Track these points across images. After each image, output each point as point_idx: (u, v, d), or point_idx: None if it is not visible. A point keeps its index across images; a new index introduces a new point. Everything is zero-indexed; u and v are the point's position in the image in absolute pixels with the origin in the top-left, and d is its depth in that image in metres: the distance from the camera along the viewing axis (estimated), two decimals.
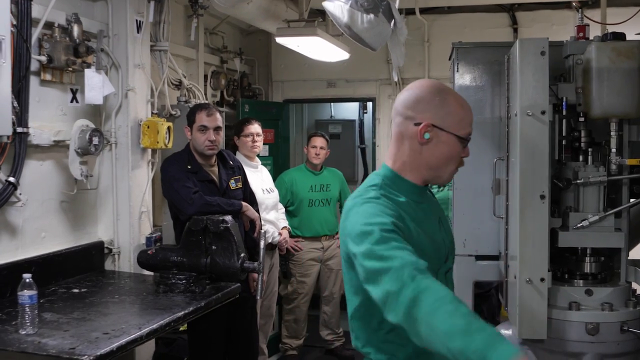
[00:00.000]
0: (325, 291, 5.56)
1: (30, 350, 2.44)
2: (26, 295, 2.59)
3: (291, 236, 5.25)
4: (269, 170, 5.24)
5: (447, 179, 1.93)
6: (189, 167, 3.77)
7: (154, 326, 2.76)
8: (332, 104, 7.38)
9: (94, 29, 3.62)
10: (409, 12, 5.37)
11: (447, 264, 1.96)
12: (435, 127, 1.83)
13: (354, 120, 7.29)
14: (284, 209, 5.20)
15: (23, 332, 2.55)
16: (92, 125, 3.51)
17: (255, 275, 3.75)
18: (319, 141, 5.41)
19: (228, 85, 5.56)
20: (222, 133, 3.92)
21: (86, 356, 2.36)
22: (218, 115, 3.86)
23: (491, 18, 5.71)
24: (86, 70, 3.49)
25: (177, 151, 3.92)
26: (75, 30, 3.41)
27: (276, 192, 4.97)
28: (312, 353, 5.78)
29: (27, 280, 2.59)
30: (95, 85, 3.53)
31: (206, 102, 4.70)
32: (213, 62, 5.44)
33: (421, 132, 1.84)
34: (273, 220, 4.86)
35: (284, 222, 5.09)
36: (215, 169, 3.91)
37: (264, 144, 5.15)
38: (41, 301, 3.02)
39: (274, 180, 5.18)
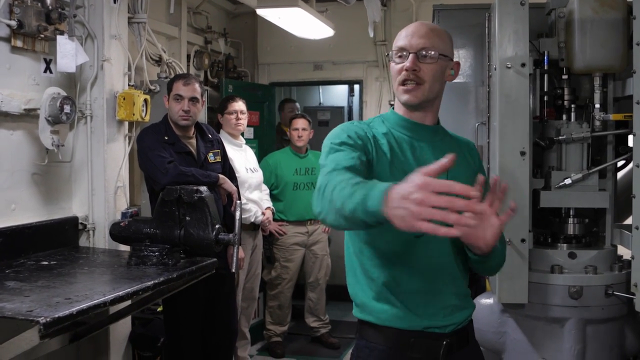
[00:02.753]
0: (311, 277, 5.45)
1: None
2: None
3: (275, 220, 5.14)
4: (254, 153, 5.13)
5: (403, 99, 1.93)
6: (165, 137, 3.66)
7: (120, 293, 2.63)
8: (320, 90, 7.30)
9: None
10: None
11: None
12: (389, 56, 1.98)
13: (342, 107, 7.20)
14: (268, 190, 5.09)
15: None
16: (64, 93, 3.41)
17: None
18: (300, 122, 5.29)
19: (212, 67, 5.47)
20: (200, 105, 3.81)
21: (42, 317, 2.24)
22: (196, 85, 3.75)
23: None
24: (58, 37, 3.38)
25: (155, 122, 3.81)
26: None
27: (260, 172, 4.87)
28: (298, 340, 5.66)
29: None
30: (68, 52, 3.43)
31: (187, 73, 4.60)
32: (196, 41, 5.36)
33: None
34: (256, 200, 4.75)
35: (267, 202, 4.98)
36: (194, 141, 3.81)
37: (248, 126, 5.06)
38: (7, 271, 2.93)
39: (259, 162, 5.07)
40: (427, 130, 1.97)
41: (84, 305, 2.42)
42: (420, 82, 1.89)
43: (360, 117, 6.05)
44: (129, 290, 2.69)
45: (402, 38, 1.91)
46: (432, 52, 1.88)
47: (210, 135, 3.92)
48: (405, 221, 1.37)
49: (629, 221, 3.21)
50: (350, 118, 7.14)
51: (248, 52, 6.20)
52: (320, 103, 7.38)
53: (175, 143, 3.69)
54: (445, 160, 1.42)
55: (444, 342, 1.91)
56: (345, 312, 6.33)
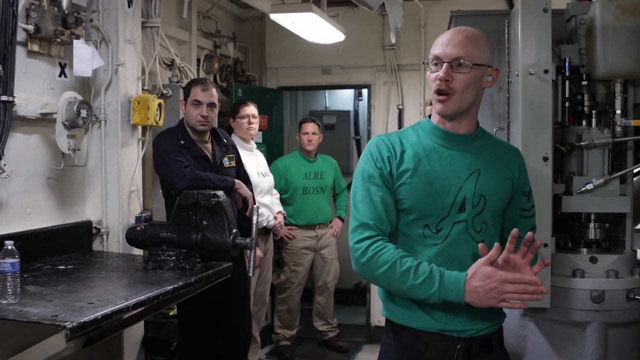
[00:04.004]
0: (319, 281, 5.45)
1: (11, 317, 2.33)
2: (8, 262, 2.46)
3: (285, 224, 5.14)
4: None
5: (437, 109, 1.96)
6: (182, 142, 3.68)
7: (142, 297, 2.65)
8: (327, 94, 7.30)
9: (83, 2, 3.53)
10: None
11: (460, 215, 1.94)
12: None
13: (348, 111, 7.21)
14: (278, 194, 5.10)
15: (4, 302, 2.43)
16: (80, 98, 3.41)
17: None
18: (310, 127, 5.31)
19: (221, 71, 5.48)
20: (217, 110, 3.82)
21: (69, 322, 2.25)
22: (214, 91, 3.77)
23: (488, 3, 5.63)
24: (75, 41, 3.39)
25: (171, 127, 3.82)
26: (65, 1, 3.32)
27: (271, 176, 4.88)
28: (306, 344, 5.67)
29: (9, 247, 2.46)
30: (84, 57, 3.43)
31: (204, 77, 4.61)
32: (206, 45, 5.36)
33: None
34: (268, 204, 4.76)
35: (278, 206, 4.99)
36: (209, 145, 3.82)
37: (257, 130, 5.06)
38: (25, 276, 2.92)
39: (269, 166, 5.08)
40: (460, 139, 1.99)
41: (108, 310, 2.43)
42: (452, 93, 1.91)
43: (369, 121, 6.06)
44: (150, 294, 2.70)
45: (438, 46, 1.93)
46: (466, 62, 1.89)
47: (225, 140, 3.93)
48: (488, 305, 1.81)
49: None
50: (356, 123, 7.13)
51: (256, 56, 6.19)
52: (326, 107, 7.38)
53: (191, 147, 3.70)
54: (493, 252, 1.80)
55: (458, 347, 1.93)
56: (353, 316, 6.34)
